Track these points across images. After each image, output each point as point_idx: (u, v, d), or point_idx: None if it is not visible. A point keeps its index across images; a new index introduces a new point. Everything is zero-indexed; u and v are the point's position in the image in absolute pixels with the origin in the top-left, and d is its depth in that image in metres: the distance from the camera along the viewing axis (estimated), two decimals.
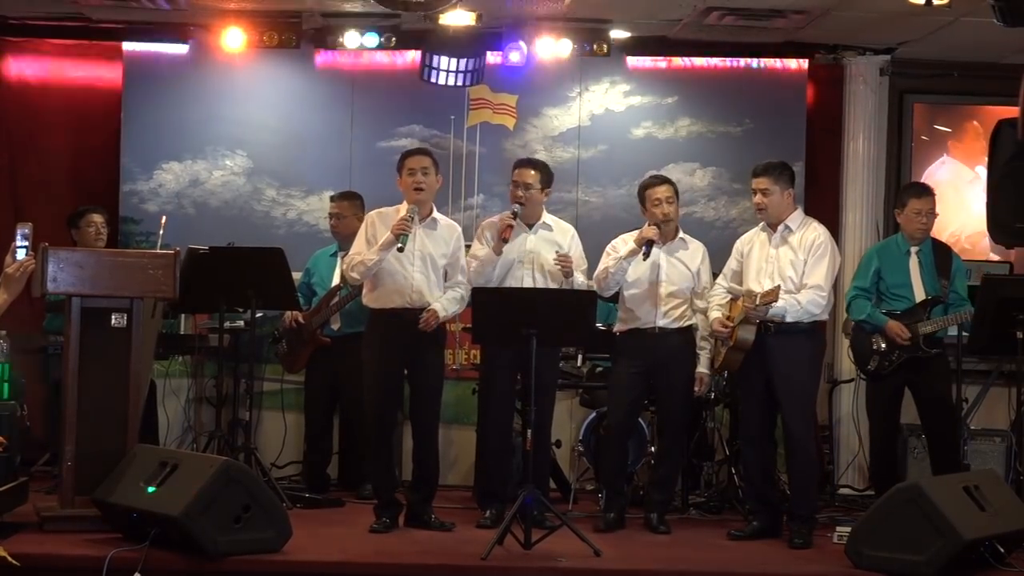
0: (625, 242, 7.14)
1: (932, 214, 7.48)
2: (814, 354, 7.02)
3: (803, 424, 6.92)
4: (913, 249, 7.48)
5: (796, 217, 7.02)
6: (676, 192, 7.16)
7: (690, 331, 7.14)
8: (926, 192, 7.52)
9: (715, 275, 7.28)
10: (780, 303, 6.70)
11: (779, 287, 6.70)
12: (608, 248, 7.22)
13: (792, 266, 6.90)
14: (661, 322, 7.07)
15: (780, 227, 6.97)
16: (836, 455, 8.73)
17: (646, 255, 6.97)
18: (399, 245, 6.64)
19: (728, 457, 7.91)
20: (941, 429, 7.46)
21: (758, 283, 6.91)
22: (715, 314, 6.99)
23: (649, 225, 7.03)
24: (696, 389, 7.16)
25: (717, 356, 7.12)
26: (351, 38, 8.75)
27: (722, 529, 7.11)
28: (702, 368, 7.15)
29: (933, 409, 7.43)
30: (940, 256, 7.51)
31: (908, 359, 7.34)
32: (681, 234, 7.23)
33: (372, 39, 8.74)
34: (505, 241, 7.01)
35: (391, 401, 6.93)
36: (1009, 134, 7.65)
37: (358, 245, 6.90)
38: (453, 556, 6.22)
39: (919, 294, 7.41)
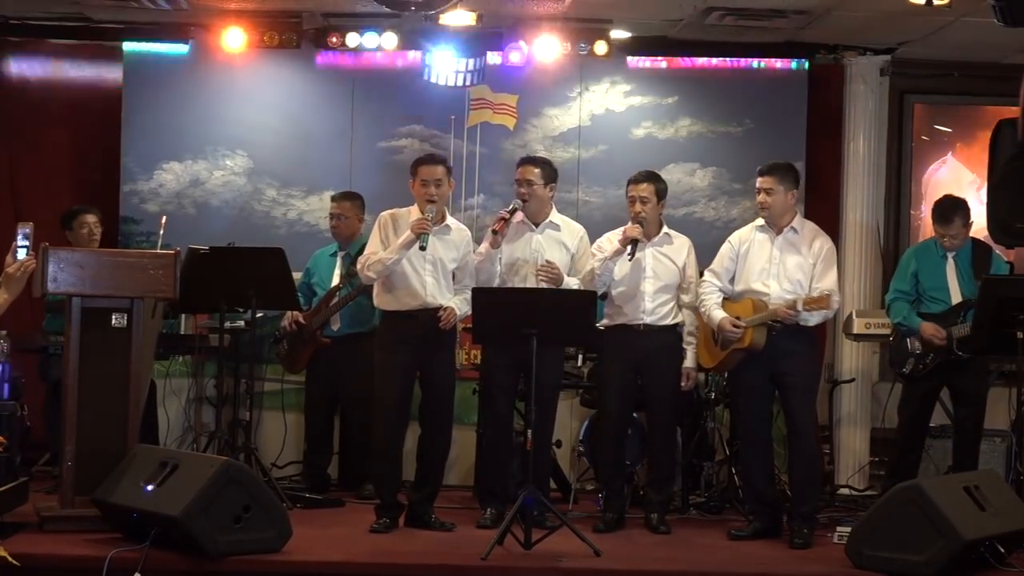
0: (610, 241, 7.13)
1: (957, 236, 7.47)
2: (816, 353, 7.10)
3: (809, 422, 6.97)
4: (950, 253, 7.48)
5: (800, 220, 7.04)
6: (659, 192, 7.11)
7: (677, 329, 7.13)
8: (946, 220, 7.47)
9: (701, 272, 7.27)
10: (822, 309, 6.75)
11: (830, 295, 6.73)
12: (594, 248, 7.21)
13: (800, 269, 6.91)
14: (647, 319, 7.07)
15: (786, 229, 6.97)
16: (836, 455, 8.73)
17: (631, 255, 6.97)
18: (421, 244, 6.67)
19: (728, 457, 7.91)
20: (972, 429, 7.48)
21: (763, 284, 6.91)
22: (720, 313, 6.94)
23: (632, 223, 7.03)
24: (683, 384, 7.15)
25: (709, 355, 7.11)
26: (352, 38, 8.75)
27: (723, 529, 7.11)
28: (689, 363, 7.15)
29: (969, 408, 7.45)
30: (979, 257, 7.50)
31: (943, 362, 7.34)
32: (665, 229, 7.23)
33: (372, 39, 8.74)
34: (495, 233, 7.01)
35: (405, 401, 6.93)
36: (1009, 134, 7.64)
37: (373, 245, 6.90)
38: (453, 556, 6.23)
39: (955, 297, 7.43)
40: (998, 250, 7.90)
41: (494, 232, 7.03)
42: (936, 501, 5.91)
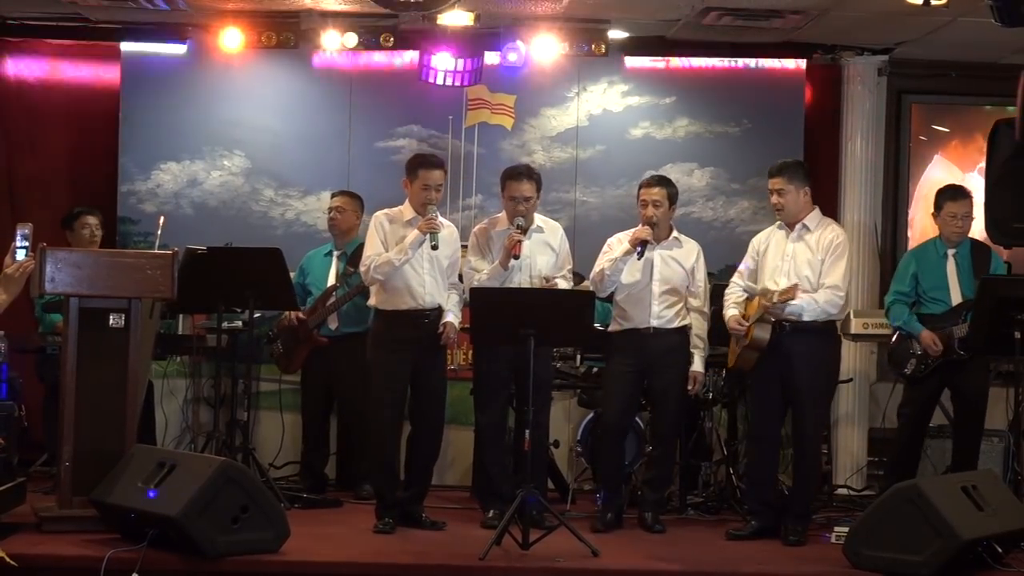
0: (620, 241, 7.13)
1: (968, 217, 7.47)
2: (830, 354, 7.01)
3: (815, 425, 6.97)
4: (950, 252, 7.48)
5: (814, 216, 7.00)
6: (671, 196, 7.12)
7: (685, 331, 7.13)
8: (961, 195, 7.49)
9: (710, 275, 7.30)
10: (798, 301, 6.71)
11: (796, 285, 6.71)
12: (604, 246, 7.21)
13: (809, 265, 6.89)
14: (655, 322, 7.07)
15: (798, 226, 6.96)
16: (834, 455, 8.72)
17: (640, 255, 6.98)
18: (433, 243, 6.73)
19: (726, 457, 7.91)
20: (973, 428, 7.47)
21: (773, 281, 6.91)
22: (732, 312, 6.97)
23: (642, 224, 7.04)
24: (690, 388, 7.16)
25: (731, 354, 7.12)
26: (349, 38, 8.75)
27: (720, 529, 7.10)
28: (696, 368, 7.15)
29: (969, 407, 7.44)
30: (978, 257, 7.49)
31: (944, 362, 7.34)
32: (675, 233, 7.22)
33: (370, 39, 8.73)
34: (516, 257, 6.99)
35: (399, 401, 6.95)
36: (1007, 134, 7.65)
37: (373, 246, 6.91)
38: (451, 556, 6.22)
39: (956, 297, 7.41)
40: (995, 250, 7.91)
41: (516, 257, 6.97)
42: (934, 501, 5.92)
